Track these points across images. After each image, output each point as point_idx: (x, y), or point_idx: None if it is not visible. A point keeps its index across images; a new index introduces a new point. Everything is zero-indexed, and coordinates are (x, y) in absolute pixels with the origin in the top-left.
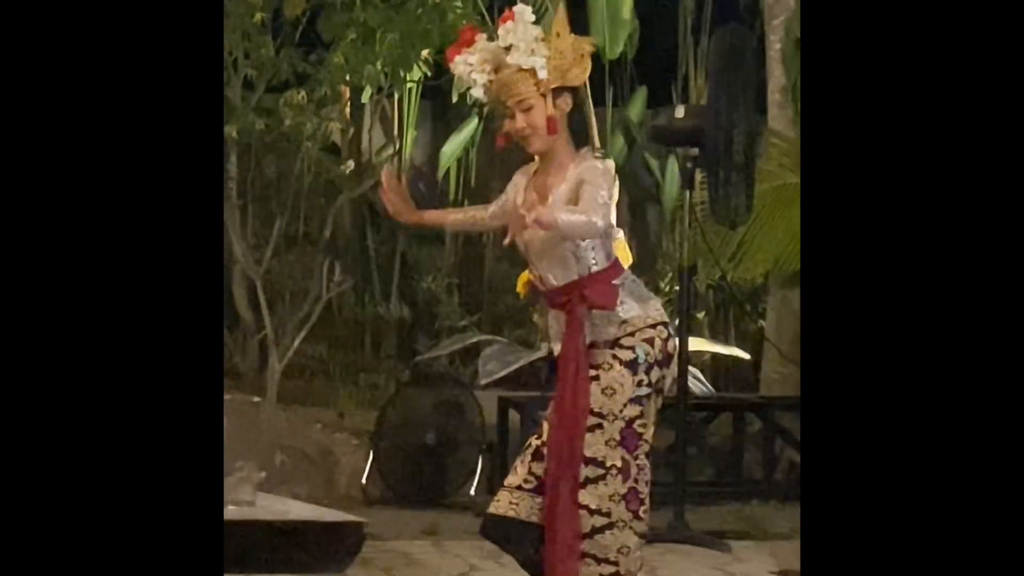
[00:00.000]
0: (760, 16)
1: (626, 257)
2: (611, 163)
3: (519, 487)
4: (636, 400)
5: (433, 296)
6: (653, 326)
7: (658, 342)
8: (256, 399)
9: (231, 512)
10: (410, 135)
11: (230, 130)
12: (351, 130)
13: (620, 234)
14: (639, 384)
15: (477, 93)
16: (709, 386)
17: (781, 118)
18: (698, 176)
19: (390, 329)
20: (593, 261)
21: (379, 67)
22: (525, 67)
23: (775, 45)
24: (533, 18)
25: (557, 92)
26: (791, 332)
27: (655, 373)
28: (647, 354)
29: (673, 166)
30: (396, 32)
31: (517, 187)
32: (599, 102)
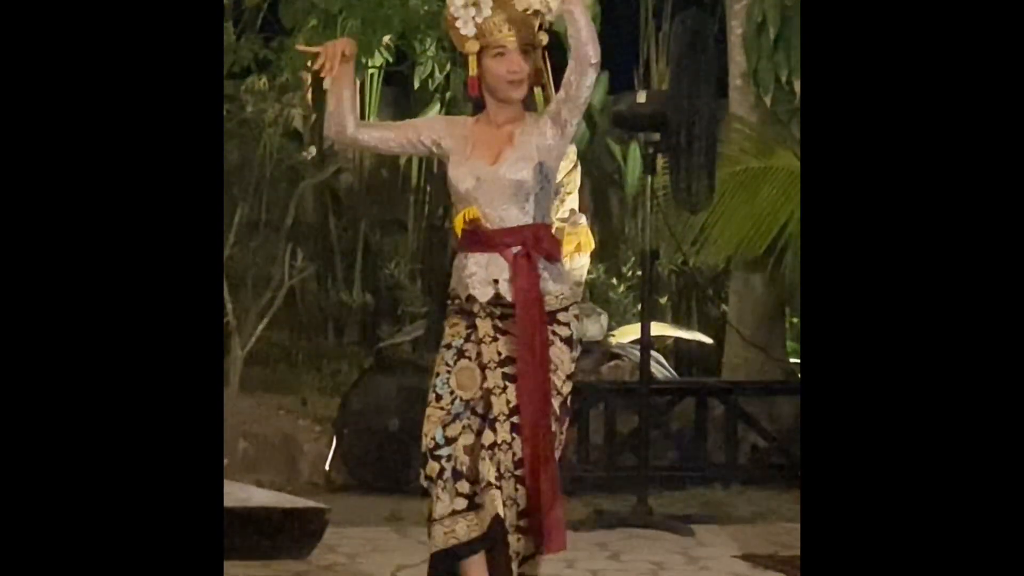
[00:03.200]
0: (721, 1)
1: (589, 243)
2: (572, 147)
3: (452, 513)
4: (571, 377)
5: (396, 282)
6: (577, 302)
7: (580, 319)
8: None
9: None
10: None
11: None
12: (313, 116)
13: (583, 220)
14: (573, 361)
15: (469, 29)
16: (672, 371)
17: (742, 103)
18: (660, 161)
19: (353, 315)
20: (546, 209)
21: None
22: (540, 7)
23: (736, 30)
24: None
25: None
26: (753, 317)
27: (578, 351)
28: (577, 330)
29: (635, 151)
30: (357, 18)
31: (440, 133)
32: (560, 87)
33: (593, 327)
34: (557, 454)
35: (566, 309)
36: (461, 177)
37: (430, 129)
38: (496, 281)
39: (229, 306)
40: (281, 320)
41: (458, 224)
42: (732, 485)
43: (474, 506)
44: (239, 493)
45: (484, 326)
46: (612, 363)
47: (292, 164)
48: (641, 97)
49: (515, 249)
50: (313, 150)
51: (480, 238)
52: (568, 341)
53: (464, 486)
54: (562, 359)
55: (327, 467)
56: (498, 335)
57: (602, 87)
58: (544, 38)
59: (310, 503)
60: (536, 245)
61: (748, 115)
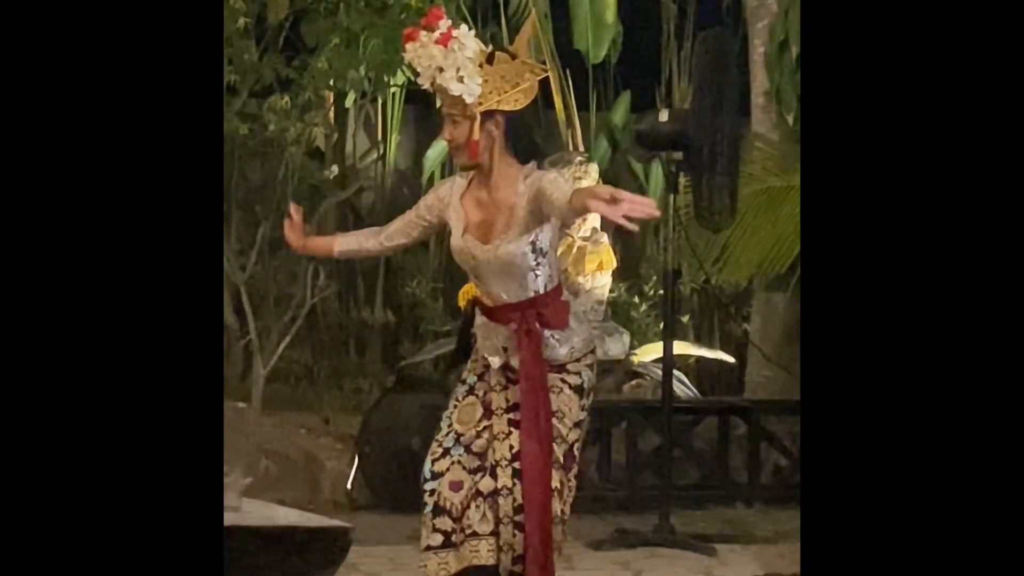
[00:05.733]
0: (743, 20)
1: (610, 262)
2: (594, 166)
3: (427, 548)
4: (578, 424)
5: (417, 301)
6: (592, 351)
7: (594, 367)
8: (241, 405)
9: None
10: (394, 139)
11: None
12: (335, 135)
13: (605, 238)
14: (582, 408)
15: (424, 84)
16: (694, 390)
17: (764, 121)
18: (682, 180)
19: (374, 334)
20: (549, 278)
21: (363, 72)
22: (453, 93)
23: (758, 49)
24: (472, 43)
25: (488, 115)
26: (776, 335)
27: (590, 398)
28: (589, 379)
29: (657, 170)
30: (379, 37)
31: (443, 198)
32: (582, 106)
33: (615, 346)
34: (568, 501)
35: (578, 360)
36: (460, 256)
37: (429, 210)
38: (505, 349)
39: (251, 325)
40: (303, 339)
41: (460, 301)
42: (755, 504)
43: (450, 544)
44: (263, 512)
45: (496, 375)
46: (634, 382)
47: (314, 183)
48: (663, 116)
49: (515, 325)
50: (335, 169)
51: (484, 309)
52: (578, 389)
53: (444, 522)
54: (570, 407)
55: (349, 485)
56: (508, 384)
57: (624, 105)
58: (475, 112)
59: (333, 522)
60: (539, 318)
61: (770, 134)
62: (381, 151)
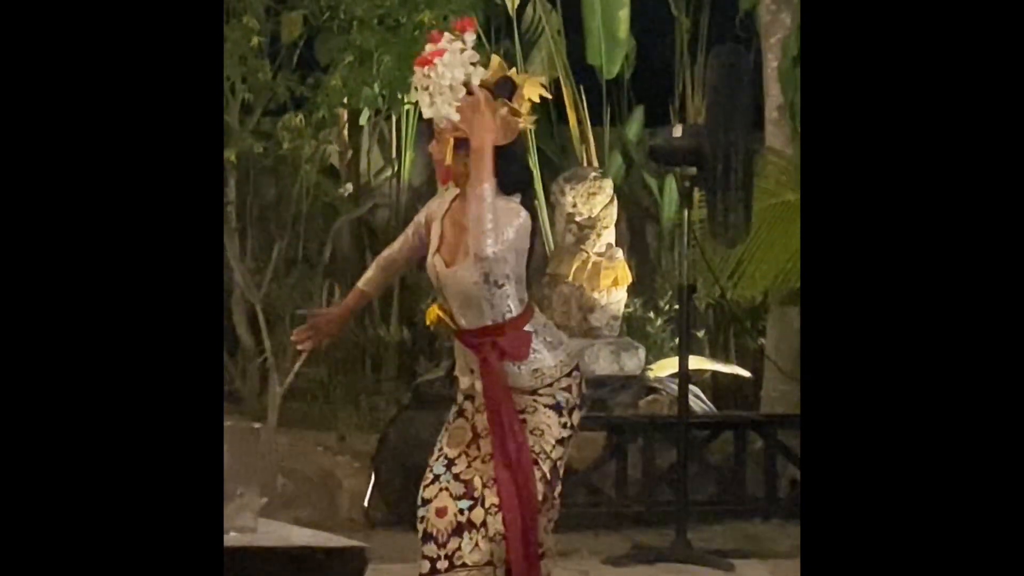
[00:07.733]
0: (757, 35)
1: (626, 277)
2: (608, 181)
3: None
4: (561, 441)
5: None
6: (569, 374)
7: (575, 388)
8: (257, 425)
9: (232, 539)
10: (408, 157)
11: (228, 154)
12: (349, 152)
13: (620, 254)
14: (564, 426)
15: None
16: (710, 404)
17: (779, 136)
18: (696, 195)
19: (390, 351)
20: (508, 308)
21: (376, 89)
22: (426, 114)
23: (772, 64)
24: (451, 71)
25: (461, 143)
26: (791, 350)
27: (576, 416)
28: (567, 400)
29: (671, 185)
30: (392, 54)
31: (432, 214)
32: (596, 122)
33: (631, 361)
34: (553, 518)
35: (550, 386)
36: (429, 272)
37: (423, 227)
38: (472, 371)
39: (267, 343)
40: (319, 356)
41: (428, 320)
42: (771, 519)
43: (435, 571)
44: (279, 532)
45: (478, 395)
46: (650, 397)
47: (329, 200)
48: (677, 131)
49: (474, 351)
50: (350, 186)
51: (453, 331)
52: (555, 408)
53: (430, 550)
54: (549, 424)
55: (366, 503)
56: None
57: (638, 121)
58: (448, 137)
59: (350, 542)
60: (494, 347)
61: (784, 148)
62: (395, 168)
